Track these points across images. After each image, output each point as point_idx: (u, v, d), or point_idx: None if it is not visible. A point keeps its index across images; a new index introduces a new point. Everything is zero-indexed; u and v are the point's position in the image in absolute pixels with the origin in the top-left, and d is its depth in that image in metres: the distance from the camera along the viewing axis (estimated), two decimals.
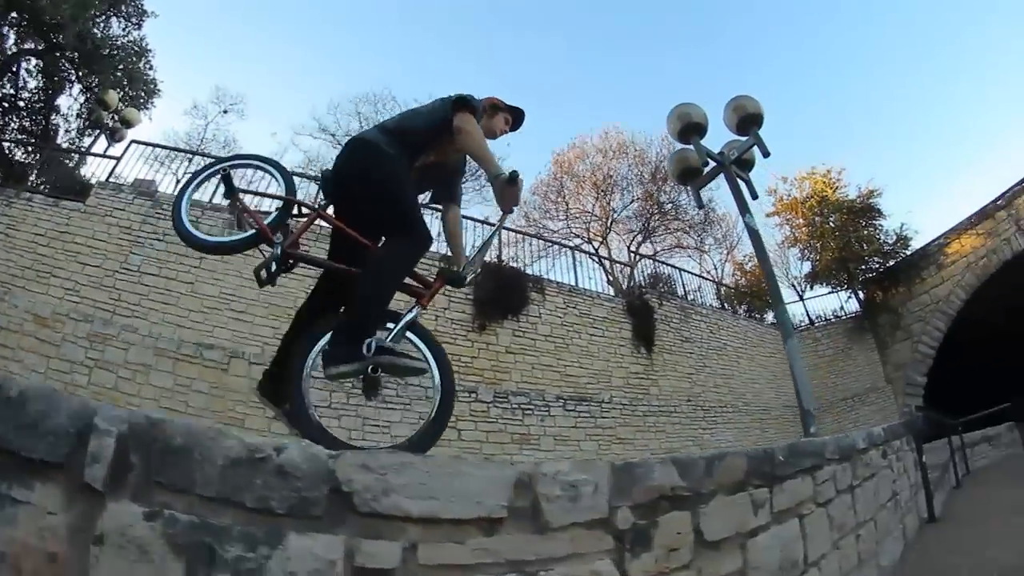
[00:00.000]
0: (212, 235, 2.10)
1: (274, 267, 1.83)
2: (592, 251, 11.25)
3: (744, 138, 5.03)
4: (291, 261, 1.90)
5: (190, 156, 10.30)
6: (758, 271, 16.19)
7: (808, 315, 15.70)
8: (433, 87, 43.78)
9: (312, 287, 2.04)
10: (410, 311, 1.89)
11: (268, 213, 2.04)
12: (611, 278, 12.62)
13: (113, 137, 10.57)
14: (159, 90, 12.75)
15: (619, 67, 43.34)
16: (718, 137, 5.40)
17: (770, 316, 14.85)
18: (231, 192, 2.02)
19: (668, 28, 43.33)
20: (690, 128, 4.96)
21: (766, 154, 4.79)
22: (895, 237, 15.15)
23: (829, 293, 15.48)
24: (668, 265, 14.32)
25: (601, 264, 12.68)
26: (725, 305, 14.93)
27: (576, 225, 15.83)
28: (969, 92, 44.26)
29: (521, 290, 9.81)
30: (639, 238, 15.07)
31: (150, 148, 9.36)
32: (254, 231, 1.94)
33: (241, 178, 2.24)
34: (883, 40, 44.98)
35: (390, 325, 1.85)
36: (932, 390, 17.94)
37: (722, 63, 43.84)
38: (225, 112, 16.78)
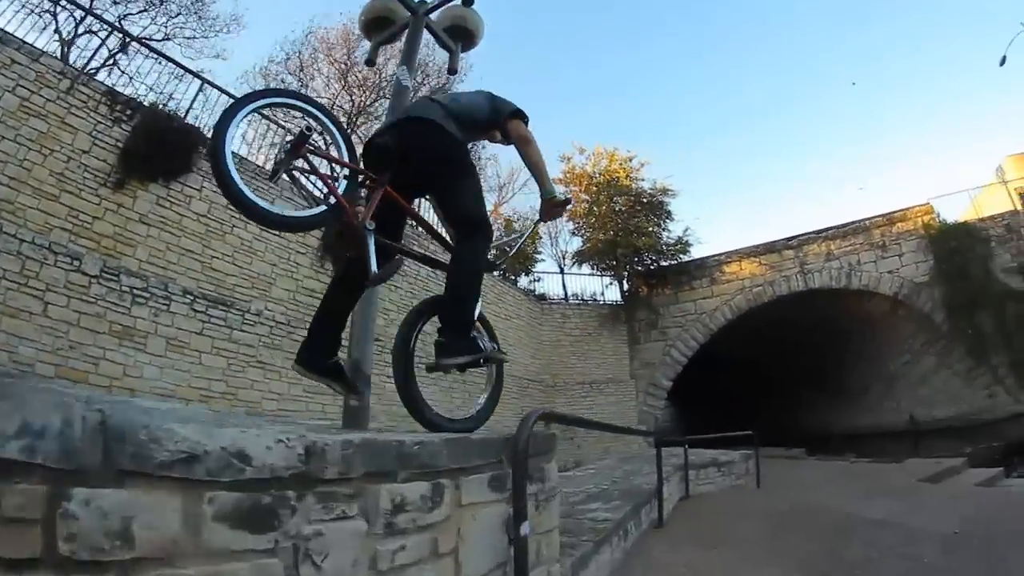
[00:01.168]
0: (274, 206, 1.43)
1: (374, 259, 1.62)
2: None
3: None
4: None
5: None
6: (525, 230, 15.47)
7: (565, 290, 15.46)
8: None
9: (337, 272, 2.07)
10: None
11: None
12: None
13: None
14: None
15: None
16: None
17: (524, 280, 14.25)
18: (299, 147, 1.50)
19: None
20: None
21: (469, 2, 4.00)
22: (676, 240, 15.15)
23: (592, 275, 15.28)
24: None
25: (329, 161, 10.97)
26: None
27: None
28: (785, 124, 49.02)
29: (186, 151, 7.81)
30: None
31: None
32: (325, 207, 1.60)
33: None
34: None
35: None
36: (677, 397, 18.90)
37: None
38: None
